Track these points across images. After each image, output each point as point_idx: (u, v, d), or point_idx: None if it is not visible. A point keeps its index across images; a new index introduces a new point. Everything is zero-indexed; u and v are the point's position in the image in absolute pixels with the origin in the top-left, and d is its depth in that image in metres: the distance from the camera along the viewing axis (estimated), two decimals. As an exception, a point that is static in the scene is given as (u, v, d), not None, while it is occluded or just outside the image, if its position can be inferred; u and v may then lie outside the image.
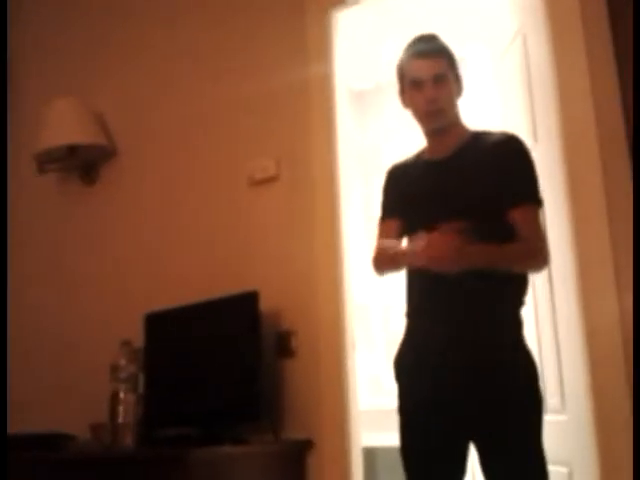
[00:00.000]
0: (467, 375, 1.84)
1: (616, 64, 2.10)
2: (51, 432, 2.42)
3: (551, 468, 1.84)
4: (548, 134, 2.28)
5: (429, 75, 1.98)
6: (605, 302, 2.02)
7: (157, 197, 2.93)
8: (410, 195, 2.06)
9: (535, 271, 2.00)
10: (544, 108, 2.32)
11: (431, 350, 1.91)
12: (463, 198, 1.93)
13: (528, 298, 1.97)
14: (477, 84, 3.46)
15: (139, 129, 3.04)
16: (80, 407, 2.72)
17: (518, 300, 1.94)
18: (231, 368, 2.38)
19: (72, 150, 2.99)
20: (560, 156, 2.17)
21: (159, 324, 2.63)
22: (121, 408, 2.34)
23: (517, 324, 1.91)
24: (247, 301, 2.36)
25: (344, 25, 2.68)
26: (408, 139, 2.32)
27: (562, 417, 2.20)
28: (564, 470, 2.15)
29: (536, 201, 1.95)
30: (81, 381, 2.84)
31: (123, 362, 2.45)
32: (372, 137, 4.21)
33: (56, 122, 2.99)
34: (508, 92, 2.74)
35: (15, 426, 2.38)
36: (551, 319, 2.29)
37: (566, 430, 2.17)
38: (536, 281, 2.25)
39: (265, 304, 2.38)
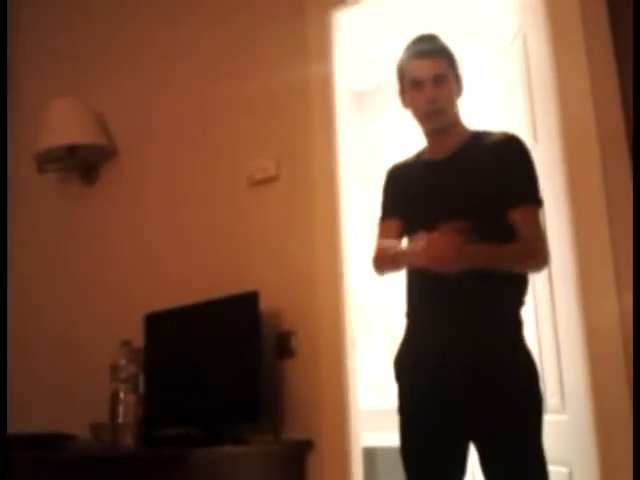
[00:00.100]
0: (467, 375, 1.84)
1: (616, 64, 2.10)
2: (51, 432, 2.42)
3: (551, 468, 1.84)
4: (548, 134, 2.28)
5: (429, 75, 1.98)
6: (605, 302, 2.02)
7: (157, 197, 2.93)
8: (410, 195, 2.06)
9: (535, 271, 2.00)
10: (544, 108, 2.32)
11: (431, 350, 1.91)
12: (463, 198, 1.93)
13: (528, 298, 1.97)
14: (477, 84, 3.46)
15: (139, 129, 3.04)
16: (80, 407, 2.72)
17: (518, 300, 1.94)
18: (231, 368, 2.38)
19: (72, 150, 2.99)
20: (560, 156, 2.17)
21: (159, 324, 2.63)
22: (121, 408, 2.34)
23: (517, 324, 1.91)
24: (247, 301, 2.36)
25: (344, 25, 2.68)
26: (408, 139, 2.32)
27: (562, 417, 2.20)
28: (564, 470, 2.15)
29: (536, 201, 1.95)
30: (81, 381, 2.84)
31: (123, 362, 2.45)
32: (372, 137, 4.21)
33: (56, 122, 2.99)
34: (508, 92, 2.74)
35: (15, 426, 2.38)
36: (551, 319, 2.29)
37: (566, 430, 2.17)
38: (536, 281, 2.24)
39: (265, 304, 2.38)
